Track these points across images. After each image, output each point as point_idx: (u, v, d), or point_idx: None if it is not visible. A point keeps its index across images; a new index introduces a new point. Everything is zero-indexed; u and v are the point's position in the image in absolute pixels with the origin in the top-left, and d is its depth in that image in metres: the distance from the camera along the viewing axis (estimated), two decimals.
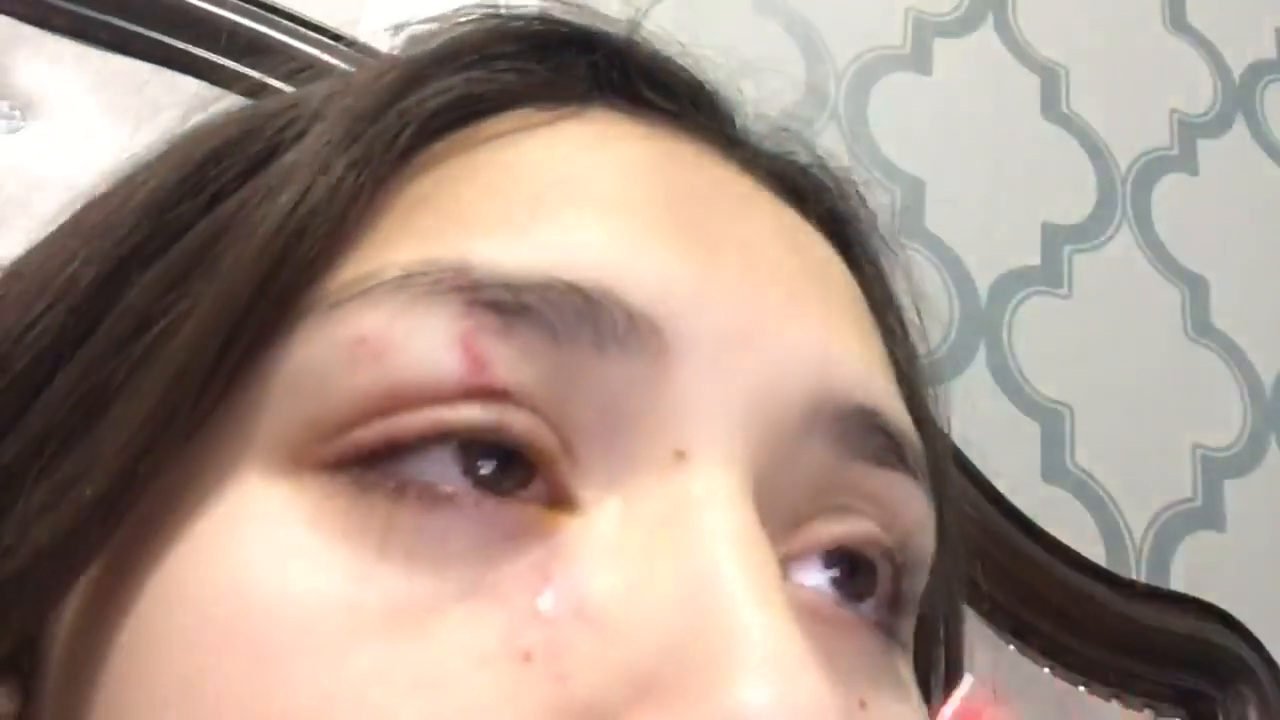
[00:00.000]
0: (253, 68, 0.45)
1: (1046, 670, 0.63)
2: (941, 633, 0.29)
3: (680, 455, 0.20)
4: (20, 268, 0.23)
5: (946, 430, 0.29)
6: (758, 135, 0.28)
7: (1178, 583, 0.73)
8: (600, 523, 0.20)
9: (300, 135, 0.23)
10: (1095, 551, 0.71)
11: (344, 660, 0.18)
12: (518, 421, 0.20)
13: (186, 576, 0.20)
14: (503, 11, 0.25)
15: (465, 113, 0.24)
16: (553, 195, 0.22)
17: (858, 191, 0.29)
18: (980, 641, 0.61)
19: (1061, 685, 0.64)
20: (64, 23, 0.54)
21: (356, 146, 0.22)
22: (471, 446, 0.20)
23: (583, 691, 0.18)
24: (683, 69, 0.27)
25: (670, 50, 0.27)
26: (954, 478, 0.28)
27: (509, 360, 0.20)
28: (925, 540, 0.24)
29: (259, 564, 0.19)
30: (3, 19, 0.54)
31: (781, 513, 0.22)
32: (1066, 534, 0.69)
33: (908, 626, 0.25)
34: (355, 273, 0.21)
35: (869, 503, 0.23)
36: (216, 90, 0.46)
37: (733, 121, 0.28)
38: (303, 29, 0.56)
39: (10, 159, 0.53)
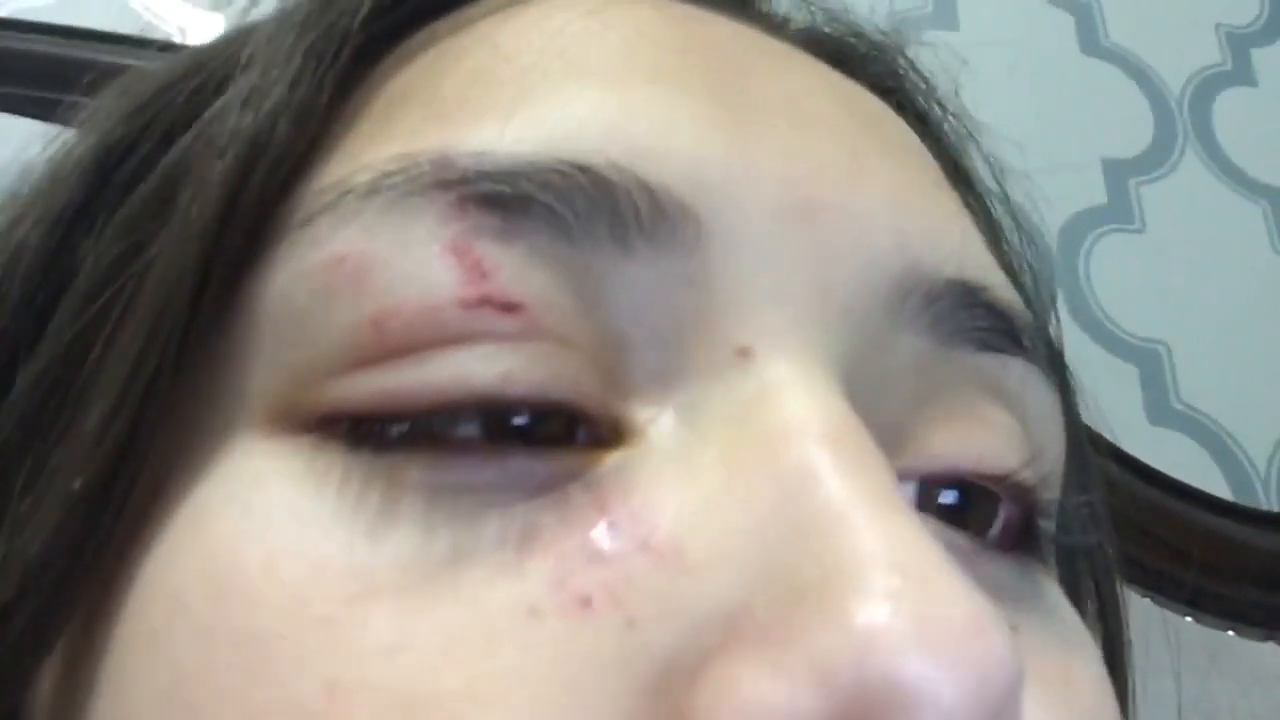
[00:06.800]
0: None
1: (1189, 619, 0.60)
2: (1087, 576, 0.24)
3: (744, 353, 0.17)
4: None
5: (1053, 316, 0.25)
6: (781, 10, 0.25)
7: None
8: (659, 442, 0.16)
9: (251, 60, 0.19)
10: (1219, 488, 0.67)
11: (351, 634, 0.15)
12: (540, 366, 0.16)
13: (158, 567, 0.16)
14: None
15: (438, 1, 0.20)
16: (548, 69, 0.18)
17: (906, 56, 0.25)
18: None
19: (1208, 633, 0.60)
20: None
21: (312, 34, 0.19)
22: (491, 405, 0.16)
23: (659, 639, 0.15)
24: None
25: None
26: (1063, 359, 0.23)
27: (513, 267, 0.16)
28: (1053, 439, 0.20)
29: (234, 537, 0.16)
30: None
31: (880, 417, 0.17)
32: (1184, 475, 0.65)
33: (1046, 549, 0.20)
34: (326, 181, 0.18)
35: (982, 392, 0.19)
36: None
37: None
38: None
39: None
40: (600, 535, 0.16)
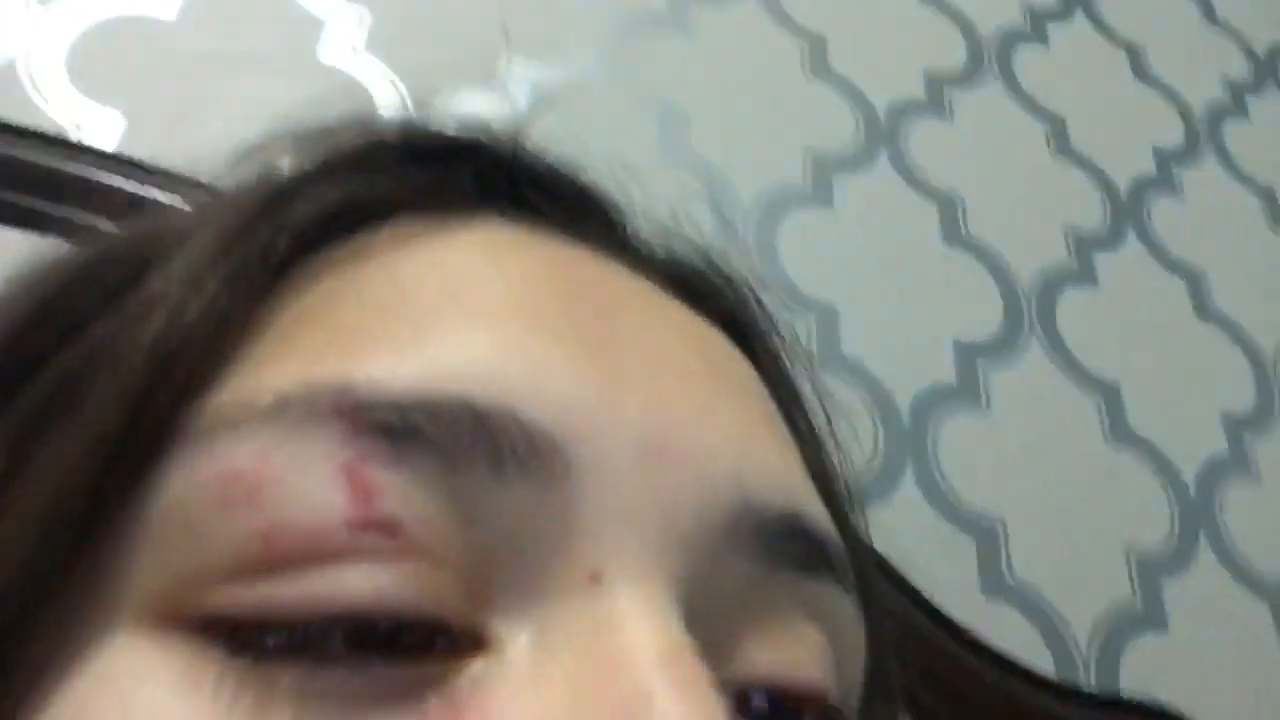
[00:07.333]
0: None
1: None
2: None
3: (595, 577, 0.19)
4: None
5: (864, 530, 0.28)
6: (647, 239, 0.28)
7: (1128, 687, 0.73)
8: (514, 656, 0.18)
9: (166, 258, 0.21)
10: (1043, 661, 0.71)
11: None
12: (411, 584, 0.18)
13: None
14: (380, 123, 0.24)
15: (347, 222, 0.22)
16: (442, 309, 0.20)
17: (752, 289, 0.29)
18: None
19: None
20: None
21: (229, 260, 0.20)
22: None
23: None
24: (569, 174, 0.27)
25: (555, 157, 0.26)
26: (877, 576, 0.27)
27: (399, 490, 0.18)
28: (856, 653, 0.23)
29: None
30: None
31: (712, 631, 0.20)
32: (1012, 647, 0.68)
33: None
34: (229, 398, 0.19)
35: (798, 611, 0.21)
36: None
37: (623, 225, 0.27)
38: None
39: None
40: None
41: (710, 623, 0.20)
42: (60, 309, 0.21)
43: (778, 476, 0.22)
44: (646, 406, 0.20)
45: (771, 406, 0.25)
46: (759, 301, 0.29)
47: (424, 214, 0.23)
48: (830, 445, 0.28)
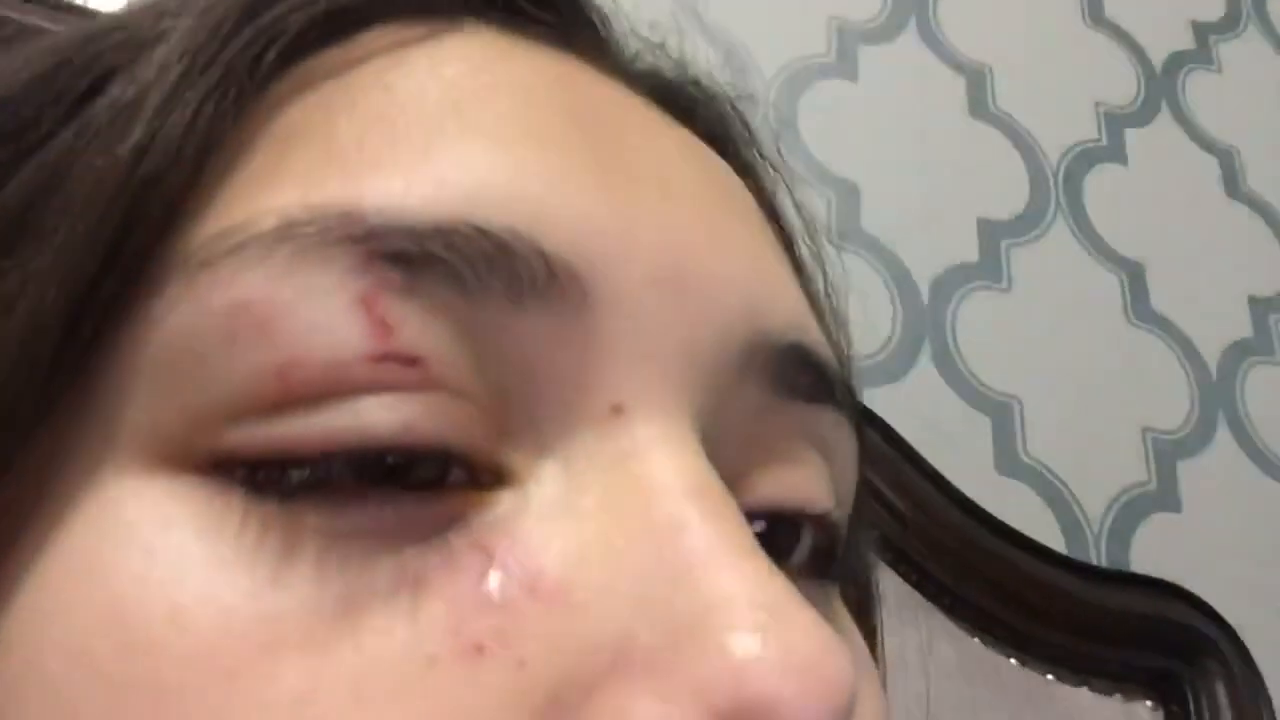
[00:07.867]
0: None
1: (1013, 661, 0.63)
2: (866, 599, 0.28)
3: (617, 409, 0.18)
4: None
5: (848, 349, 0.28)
6: (631, 52, 0.26)
7: (1138, 567, 0.74)
8: (540, 488, 0.18)
9: (132, 64, 0.19)
10: (1054, 540, 0.71)
11: (264, 685, 0.15)
12: (434, 416, 0.17)
13: (47, 608, 0.16)
14: None
15: (331, 29, 0.20)
16: (445, 124, 0.19)
17: (736, 106, 0.28)
18: (944, 635, 0.61)
19: (1029, 675, 0.63)
20: None
21: (212, 71, 0.18)
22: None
23: (546, 673, 0.16)
24: None
25: None
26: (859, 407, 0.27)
27: (416, 322, 0.17)
28: (851, 479, 0.23)
29: (137, 585, 0.16)
30: None
31: (724, 460, 0.19)
32: (1024, 525, 0.69)
33: (835, 569, 0.23)
34: (223, 223, 0.18)
35: (801, 437, 0.21)
36: None
37: (611, 36, 0.26)
38: None
39: None
40: (490, 582, 0.17)
41: (722, 451, 0.19)
42: (12, 122, 0.19)
43: (787, 306, 0.21)
44: (661, 232, 0.19)
45: (769, 229, 0.24)
46: (746, 120, 0.28)
47: (407, 21, 0.22)
48: (819, 272, 0.27)
